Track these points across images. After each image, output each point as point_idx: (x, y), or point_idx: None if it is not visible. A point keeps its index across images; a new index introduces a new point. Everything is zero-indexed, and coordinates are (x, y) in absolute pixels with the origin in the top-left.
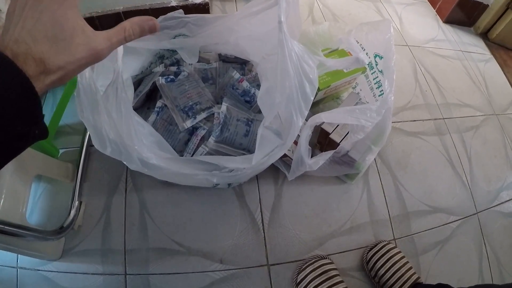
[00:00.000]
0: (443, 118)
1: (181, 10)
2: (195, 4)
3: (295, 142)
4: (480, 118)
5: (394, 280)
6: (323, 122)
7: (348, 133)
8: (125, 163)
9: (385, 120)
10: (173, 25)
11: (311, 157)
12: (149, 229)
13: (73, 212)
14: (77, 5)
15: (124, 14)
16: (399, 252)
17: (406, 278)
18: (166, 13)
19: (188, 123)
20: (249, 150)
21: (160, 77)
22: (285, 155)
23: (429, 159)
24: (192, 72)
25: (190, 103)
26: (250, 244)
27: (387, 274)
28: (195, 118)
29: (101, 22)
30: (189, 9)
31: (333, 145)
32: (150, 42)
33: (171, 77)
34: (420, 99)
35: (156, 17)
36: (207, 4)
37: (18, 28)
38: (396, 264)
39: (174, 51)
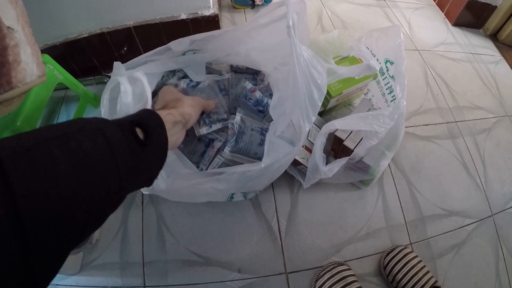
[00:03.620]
0: (456, 121)
1: (191, 37)
2: (205, 16)
3: (309, 150)
4: (493, 120)
5: (412, 284)
6: (337, 129)
7: (361, 139)
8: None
9: (398, 125)
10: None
11: (326, 164)
12: (167, 241)
13: None
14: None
15: (135, 29)
16: (416, 256)
17: (424, 282)
18: (177, 27)
19: (204, 130)
20: None
21: (182, 80)
22: (299, 163)
23: (443, 163)
24: (211, 83)
25: (208, 111)
26: (267, 253)
27: (404, 278)
28: (210, 126)
29: (111, 37)
30: (198, 21)
31: (347, 151)
32: (156, 66)
33: (194, 83)
34: (432, 103)
35: (167, 31)
36: (216, 16)
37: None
38: (414, 269)
39: None
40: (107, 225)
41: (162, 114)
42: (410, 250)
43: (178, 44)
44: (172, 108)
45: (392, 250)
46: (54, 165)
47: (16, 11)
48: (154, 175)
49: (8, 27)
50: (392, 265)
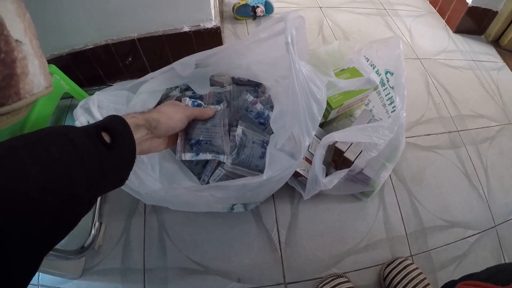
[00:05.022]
0: (458, 131)
1: (194, 55)
2: (207, 28)
3: (310, 162)
4: (495, 129)
5: None
6: (337, 141)
7: (362, 151)
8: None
9: (398, 136)
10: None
11: (326, 175)
12: (168, 249)
13: (93, 232)
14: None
15: (139, 41)
16: (417, 268)
17: None
18: (179, 39)
19: (187, 156)
20: None
21: (188, 98)
22: (300, 175)
23: (445, 173)
24: (221, 111)
25: (200, 138)
26: (267, 263)
27: None
28: (197, 154)
29: (116, 48)
30: (201, 33)
31: (347, 163)
32: (161, 82)
33: (199, 102)
34: (433, 112)
35: (170, 43)
36: (218, 28)
37: None
38: (413, 281)
39: None
40: (109, 232)
41: (127, 117)
42: (411, 262)
43: (184, 68)
44: (143, 113)
45: (392, 262)
46: (24, 170)
47: (24, 24)
48: (124, 177)
49: (17, 40)
50: (391, 277)
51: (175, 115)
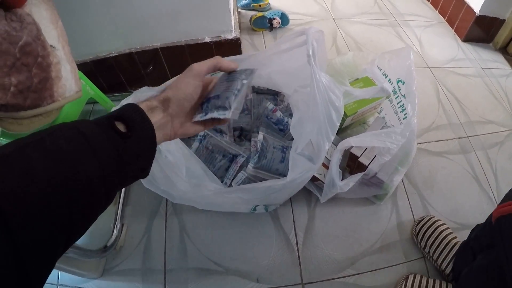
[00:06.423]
0: (467, 136)
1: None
2: (228, 39)
3: (326, 166)
4: (504, 134)
5: (443, 246)
6: (352, 146)
7: (375, 156)
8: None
9: (410, 142)
10: None
11: (341, 179)
12: (189, 250)
13: (115, 233)
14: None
15: (161, 50)
16: (444, 223)
17: (453, 244)
18: (201, 49)
19: (197, 117)
20: (285, 175)
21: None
22: (317, 179)
23: (455, 178)
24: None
25: (209, 96)
26: (285, 264)
27: (435, 242)
28: (205, 114)
29: (139, 57)
30: (221, 44)
31: (362, 167)
32: None
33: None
34: (443, 119)
35: (191, 52)
36: (238, 39)
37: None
38: (443, 233)
39: None
40: (131, 233)
41: (140, 103)
42: (438, 218)
43: None
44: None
45: (422, 219)
46: (30, 166)
47: (57, 31)
48: (146, 166)
49: (51, 46)
50: (423, 231)
51: (181, 82)
